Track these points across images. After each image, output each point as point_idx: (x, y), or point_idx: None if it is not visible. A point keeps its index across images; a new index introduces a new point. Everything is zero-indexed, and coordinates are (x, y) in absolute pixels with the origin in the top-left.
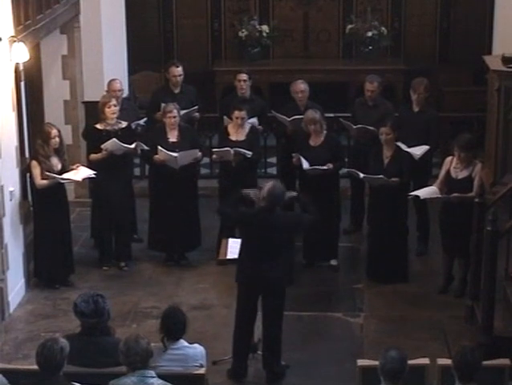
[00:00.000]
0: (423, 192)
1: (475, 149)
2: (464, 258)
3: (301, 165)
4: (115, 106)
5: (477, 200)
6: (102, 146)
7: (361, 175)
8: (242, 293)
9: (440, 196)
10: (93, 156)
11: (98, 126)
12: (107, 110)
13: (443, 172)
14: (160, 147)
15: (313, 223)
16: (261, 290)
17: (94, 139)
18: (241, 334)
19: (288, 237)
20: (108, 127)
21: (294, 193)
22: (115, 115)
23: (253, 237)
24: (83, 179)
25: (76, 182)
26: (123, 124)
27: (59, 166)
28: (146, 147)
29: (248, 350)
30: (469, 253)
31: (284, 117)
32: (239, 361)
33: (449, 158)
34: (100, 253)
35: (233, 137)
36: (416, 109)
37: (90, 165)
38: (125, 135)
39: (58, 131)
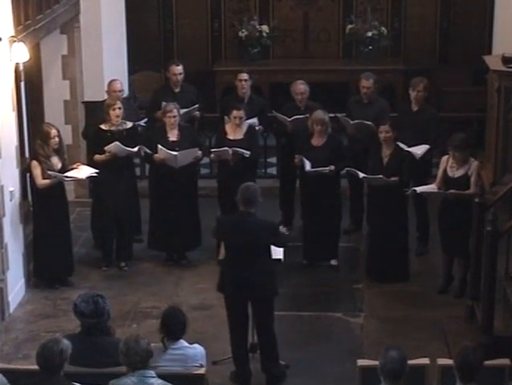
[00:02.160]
0: (420, 188)
1: (469, 148)
2: (463, 258)
3: (302, 166)
4: (119, 109)
5: (477, 200)
6: (105, 148)
7: (361, 175)
8: (229, 302)
9: (436, 190)
10: (97, 157)
11: (103, 126)
12: (111, 112)
13: (440, 171)
14: (160, 146)
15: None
16: (247, 298)
17: (98, 139)
18: (237, 341)
19: (267, 244)
20: (113, 128)
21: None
22: (119, 118)
23: (234, 242)
24: (87, 177)
25: (79, 180)
26: (129, 125)
27: (59, 166)
28: (149, 151)
29: (247, 354)
30: (468, 253)
31: (284, 117)
32: (241, 366)
33: (445, 157)
34: (103, 253)
35: (230, 136)
36: (415, 108)
37: (92, 165)
38: (130, 136)
39: (58, 130)
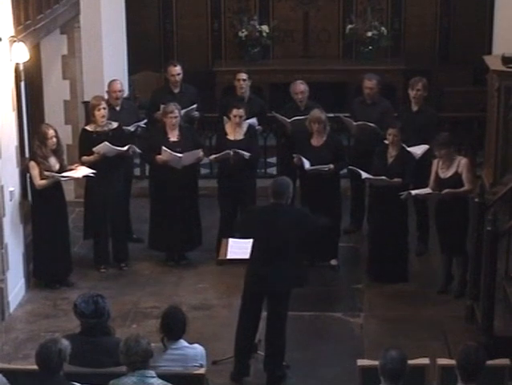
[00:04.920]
0: (415, 191)
1: (454, 145)
2: (461, 257)
3: (302, 165)
4: (104, 109)
5: (476, 199)
6: (94, 149)
7: (363, 175)
8: (248, 293)
9: (431, 191)
10: (85, 159)
11: (88, 128)
12: (96, 113)
13: (433, 174)
14: (164, 148)
15: (323, 225)
16: (266, 291)
17: (84, 140)
18: (244, 334)
19: (298, 234)
20: (98, 129)
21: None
22: (104, 119)
23: (263, 235)
24: (84, 176)
25: (76, 179)
26: (114, 125)
27: (57, 166)
28: (139, 150)
29: (250, 350)
30: (466, 252)
31: (284, 118)
32: (241, 362)
33: (436, 160)
34: (95, 254)
35: (231, 137)
36: (414, 108)
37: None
38: (116, 136)
39: (55, 131)
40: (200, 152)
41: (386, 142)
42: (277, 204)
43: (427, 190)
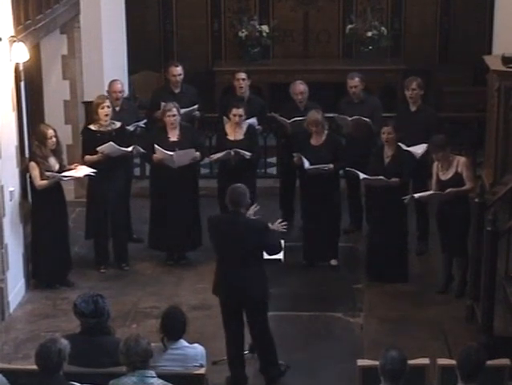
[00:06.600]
0: (418, 194)
1: (450, 146)
2: (461, 257)
3: (302, 166)
4: (108, 107)
5: (476, 200)
6: (98, 149)
7: (361, 176)
8: (223, 306)
9: (433, 192)
10: (88, 158)
11: (92, 127)
12: (100, 111)
13: (434, 177)
14: (156, 146)
15: (277, 246)
16: (239, 303)
17: (88, 140)
18: (232, 346)
19: (258, 246)
20: (102, 128)
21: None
22: (108, 117)
23: (222, 242)
24: (85, 175)
25: (78, 178)
26: (118, 125)
27: (57, 166)
28: (143, 150)
29: (243, 359)
30: (466, 252)
31: (284, 119)
32: (235, 371)
33: (435, 163)
34: (96, 254)
35: (231, 137)
36: (413, 108)
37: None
38: (120, 136)
39: (54, 131)
40: (194, 153)
41: (383, 141)
42: (236, 214)
43: (429, 192)
